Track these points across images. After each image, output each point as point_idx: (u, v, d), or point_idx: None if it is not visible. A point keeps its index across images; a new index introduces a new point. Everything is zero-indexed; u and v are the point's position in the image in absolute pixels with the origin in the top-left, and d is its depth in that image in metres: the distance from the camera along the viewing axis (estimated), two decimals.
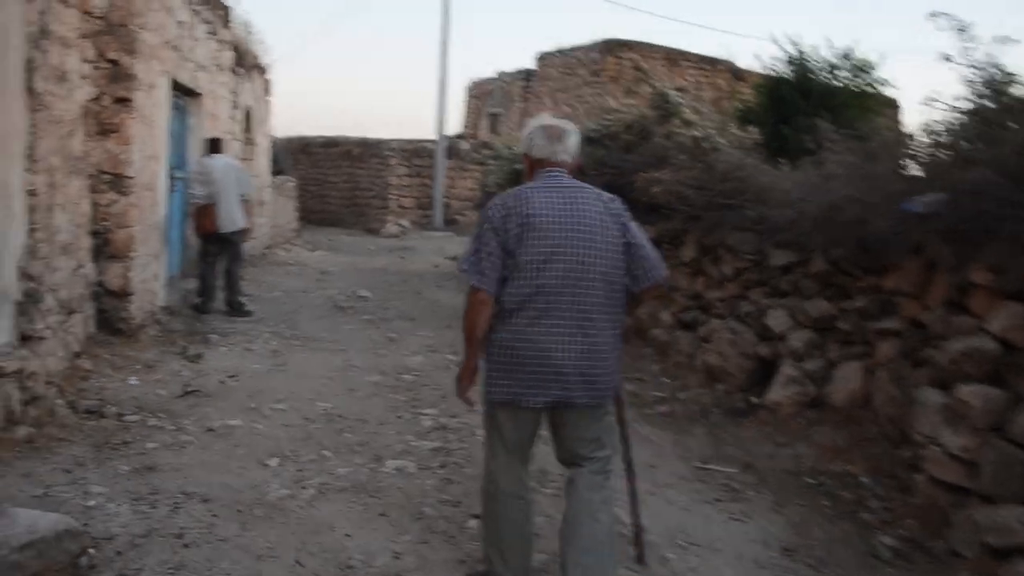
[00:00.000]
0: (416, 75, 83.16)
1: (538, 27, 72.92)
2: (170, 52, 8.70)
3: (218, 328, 8.82)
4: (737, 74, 26.65)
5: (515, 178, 13.77)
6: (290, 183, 19.69)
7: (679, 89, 26.47)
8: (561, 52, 27.40)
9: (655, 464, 5.59)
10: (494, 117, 30.89)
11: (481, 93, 31.57)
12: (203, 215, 9.27)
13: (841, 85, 17.07)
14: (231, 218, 9.36)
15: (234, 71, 12.21)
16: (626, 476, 3.96)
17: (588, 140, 11.44)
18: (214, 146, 9.88)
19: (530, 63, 28.98)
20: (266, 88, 15.80)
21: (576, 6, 70.75)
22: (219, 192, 9.22)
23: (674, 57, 26.00)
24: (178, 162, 10.19)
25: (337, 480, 4.80)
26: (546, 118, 3.58)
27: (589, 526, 3.30)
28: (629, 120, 9.90)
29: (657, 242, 5.01)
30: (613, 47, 25.46)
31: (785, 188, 7.14)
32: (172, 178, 9.49)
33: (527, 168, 3.48)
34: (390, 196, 23.58)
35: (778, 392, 6.42)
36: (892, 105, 18.23)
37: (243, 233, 9.68)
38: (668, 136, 8.56)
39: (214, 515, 4.14)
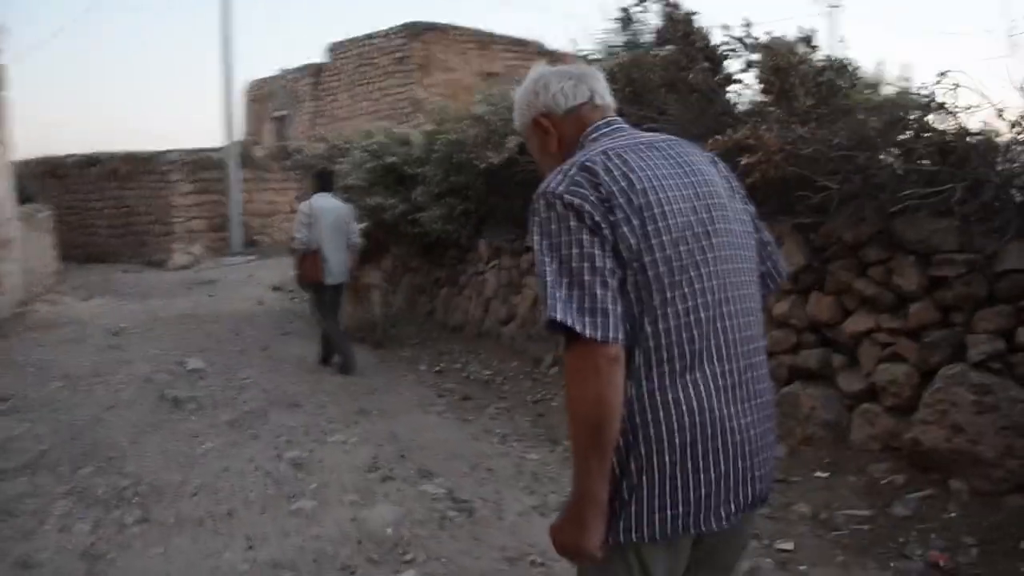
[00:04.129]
0: (194, 77, 70.02)
1: (329, 17, 62.14)
2: None
3: None
4: (550, 55, 23.71)
5: (385, 176, 9.68)
6: (43, 213, 14.28)
7: (492, 74, 23.17)
8: (355, 41, 23.22)
9: None
10: (280, 120, 26.11)
11: (261, 95, 26.63)
12: (307, 263, 7.59)
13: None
14: (338, 270, 7.69)
15: None
16: None
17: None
18: (324, 182, 8.14)
19: (320, 57, 24.56)
20: None
21: None
22: (329, 239, 7.56)
23: (484, 40, 22.60)
24: None
25: None
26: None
27: None
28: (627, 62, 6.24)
29: None
30: (419, 31, 21.64)
31: None
32: None
33: (549, 140, 1.91)
34: (175, 219, 18.40)
35: None
36: None
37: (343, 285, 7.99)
38: (774, 69, 4.92)
39: None
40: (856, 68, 4.80)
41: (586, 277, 1.58)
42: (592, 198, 1.63)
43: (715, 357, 1.69)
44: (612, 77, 6.47)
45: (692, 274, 1.67)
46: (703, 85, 5.79)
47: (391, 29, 22.09)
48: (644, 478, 1.64)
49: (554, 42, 23.05)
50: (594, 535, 1.61)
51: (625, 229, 1.62)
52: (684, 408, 1.64)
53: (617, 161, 1.69)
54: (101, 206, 19.65)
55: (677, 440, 1.63)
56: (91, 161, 19.77)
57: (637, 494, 1.64)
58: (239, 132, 21.19)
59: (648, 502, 1.64)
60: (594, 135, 1.84)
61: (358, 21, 63.05)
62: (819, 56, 4.95)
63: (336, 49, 23.78)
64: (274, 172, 19.70)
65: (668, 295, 1.64)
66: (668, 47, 6.35)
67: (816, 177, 4.51)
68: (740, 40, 5.95)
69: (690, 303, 1.66)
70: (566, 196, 1.63)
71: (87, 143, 44.54)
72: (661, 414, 1.63)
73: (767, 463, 1.78)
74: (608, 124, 1.86)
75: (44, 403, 6.48)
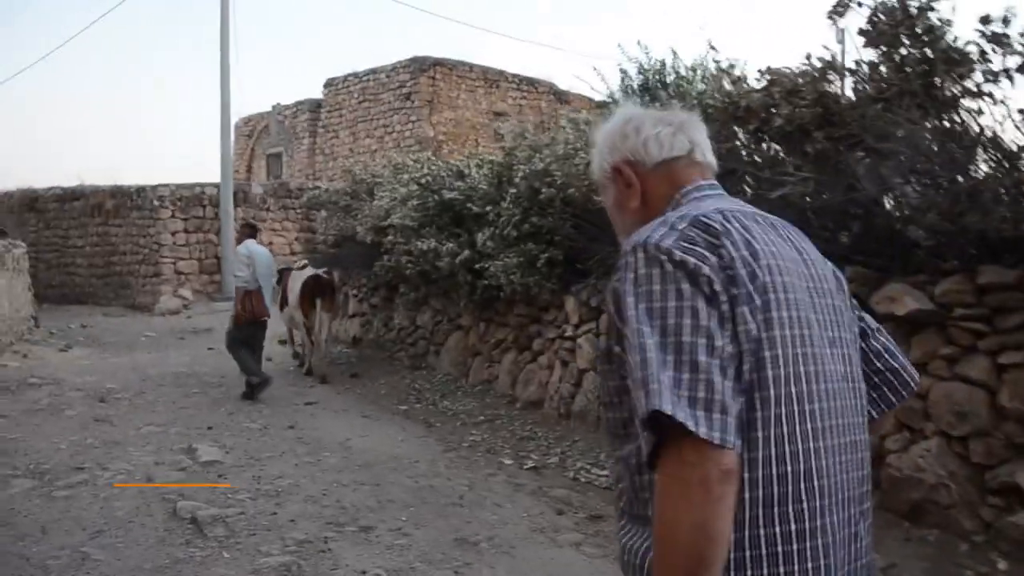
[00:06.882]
0: (187, 110, 63.41)
1: (328, 54, 60.38)
2: None
3: None
4: (560, 96, 22.14)
5: (439, 215, 7.79)
6: (18, 250, 12.14)
7: (499, 113, 21.52)
8: (357, 77, 21.46)
9: None
10: (273, 158, 24.17)
11: (253, 131, 24.69)
12: (252, 300, 8.08)
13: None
14: (269, 307, 8.36)
15: None
16: None
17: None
18: (252, 231, 8.88)
19: (318, 93, 22.75)
20: None
21: (368, 26, 58.56)
22: (264, 279, 8.22)
23: (493, 78, 20.97)
24: None
25: None
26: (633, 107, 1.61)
27: None
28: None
29: None
30: (426, 67, 19.93)
31: None
32: None
33: (630, 194, 1.49)
34: (163, 260, 16.26)
35: None
36: None
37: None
38: None
39: None
40: None
41: (701, 358, 1.15)
42: (712, 260, 1.22)
43: (826, 492, 1.23)
44: (795, 91, 4.69)
45: (808, 387, 1.24)
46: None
47: (397, 64, 20.36)
48: None
49: (566, 83, 21.64)
50: None
51: (746, 308, 1.20)
52: (779, 550, 1.19)
53: (737, 225, 1.29)
54: (83, 243, 17.49)
55: None
56: (74, 195, 17.64)
57: None
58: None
59: None
60: (697, 195, 1.43)
61: (353, 58, 60.30)
62: None
63: (335, 84, 21.97)
64: (272, 211, 17.70)
65: (779, 410, 1.20)
66: (879, 50, 4.54)
67: None
68: (999, 38, 4.18)
69: (803, 426, 1.21)
70: (676, 252, 1.22)
71: (70, 175, 41.66)
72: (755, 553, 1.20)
73: None
74: (713, 186, 1.47)
75: (2, 522, 4.41)
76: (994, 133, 4.51)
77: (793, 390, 1.21)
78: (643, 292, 1.21)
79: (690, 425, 1.10)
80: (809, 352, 1.25)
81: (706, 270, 1.20)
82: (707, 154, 1.51)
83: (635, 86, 15.69)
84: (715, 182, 1.49)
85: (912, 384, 1.55)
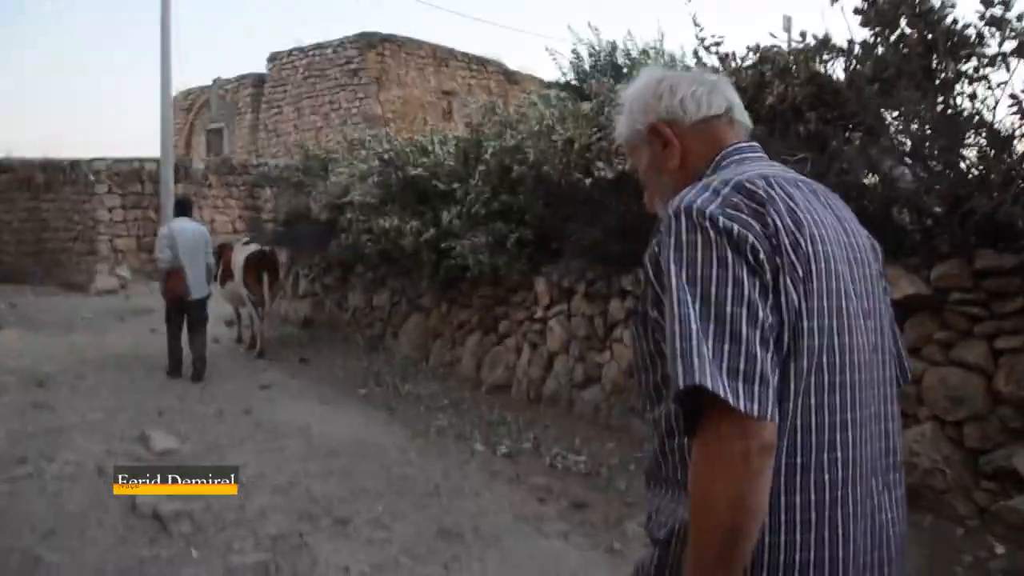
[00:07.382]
0: (124, 82, 59.49)
1: (273, 27, 57.46)
2: None
3: None
4: (509, 76, 21.86)
5: (403, 192, 7.49)
6: None
7: (448, 92, 21.10)
8: (303, 51, 20.78)
9: None
10: (214, 133, 23.32)
11: (193, 105, 23.78)
12: (172, 280, 7.75)
13: None
14: (199, 285, 7.87)
15: None
16: None
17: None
18: (182, 208, 8.48)
19: (261, 67, 21.99)
20: None
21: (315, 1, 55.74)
22: (188, 258, 7.75)
23: (443, 56, 20.53)
24: None
25: None
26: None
27: None
28: None
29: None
30: (374, 43, 19.41)
31: None
32: None
33: (668, 154, 1.43)
34: (99, 237, 15.52)
35: None
36: None
37: (207, 300, 8.10)
38: None
39: None
40: None
41: (743, 329, 1.12)
42: (756, 228, 1.17)
43: (860, 466, 1.23)
44: (788, 70, 4.54)
45: (840, 358, 1.21)
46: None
47: (344, 39, 19.77)
48: None
49: (516, 63, 21.35)
50: None
51: (789, 279, 1.17)
52: (813, 527, 1.18)
53: (781, 192, 1.24)
54: (10, 219, 16.54)
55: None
56: (1, 167, 16.67)
57: None
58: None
59: None
60: (737, 156, 1.39)
61: (299, 32, 57.87)
62: None
63: (280, 59, 21.25)
64: (214, 188, 17.05)
65: (810, 381, 1.18)
66: (875, 30, 4.39)
67: None
68: (998, 21, 4.08)
69: (835, 398, 1.19)
70: (721, 219, 1.17)
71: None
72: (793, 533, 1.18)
73: None
74: (752, 148, 1.42)
75: None
76: (983, 117, 4.43)
77: (825, 361, 1.19)
78: (686, 259, 1.17)
79: (731, 400, 1.08)
80: (844, 323, 1.22)
81: (751, 238, 1.17)
82: (742, 114, 1.48)
83: (587, 68, 15.54)
84: (754, 144, 1.44)
85: (907, 377, 1.51)
